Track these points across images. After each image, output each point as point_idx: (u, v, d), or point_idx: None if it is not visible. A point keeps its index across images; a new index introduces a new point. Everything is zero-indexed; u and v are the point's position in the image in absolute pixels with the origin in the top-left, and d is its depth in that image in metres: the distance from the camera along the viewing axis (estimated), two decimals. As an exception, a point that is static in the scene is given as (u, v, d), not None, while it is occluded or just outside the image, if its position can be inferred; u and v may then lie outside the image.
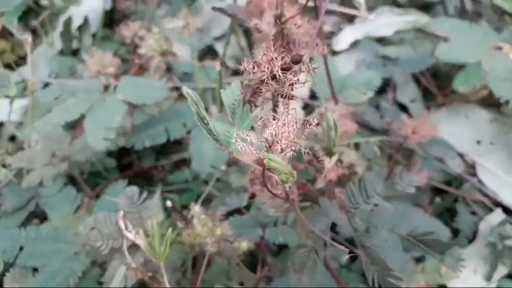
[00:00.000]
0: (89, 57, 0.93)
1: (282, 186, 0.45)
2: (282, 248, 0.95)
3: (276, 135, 0.41)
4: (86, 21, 1.27)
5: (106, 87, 0.89)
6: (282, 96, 0.44)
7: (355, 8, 1.08)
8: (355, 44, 1.11)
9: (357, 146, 0.90)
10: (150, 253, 0.54)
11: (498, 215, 0.95)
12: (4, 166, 1.10)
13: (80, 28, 1.29)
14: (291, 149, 0.41)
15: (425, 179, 0.84)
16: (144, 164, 1.19)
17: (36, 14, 1.46)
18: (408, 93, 1.17)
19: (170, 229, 0.53)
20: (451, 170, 0.96)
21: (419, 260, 0.93)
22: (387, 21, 1.09)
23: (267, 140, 0.42)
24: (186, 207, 1.03)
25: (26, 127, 1.07)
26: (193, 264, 0.88)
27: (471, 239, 0.96)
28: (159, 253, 0.53)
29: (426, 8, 1.19)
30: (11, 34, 1.54)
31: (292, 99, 0.44)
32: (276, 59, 0.42)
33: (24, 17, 1.45)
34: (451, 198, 1.01)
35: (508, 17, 1.09)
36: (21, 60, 1.50)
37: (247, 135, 0.42)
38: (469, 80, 0.97)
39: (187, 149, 1.19)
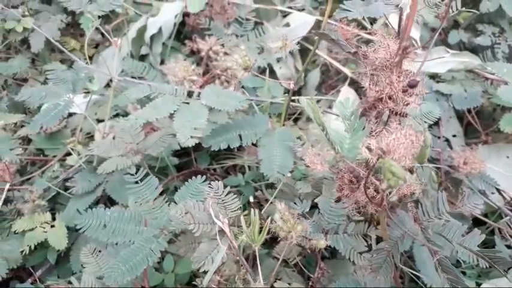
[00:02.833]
0: (175, 64, 1.03)
1: (383, 191, 0.53)
2: (328, 257, 1.02)
3: (391, 146, 0.49)
4: (159, 30, 1.38)
5: (189, 93, 0.99)
6: (396, 113, 0.52)
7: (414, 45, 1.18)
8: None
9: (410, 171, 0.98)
10: (248, 238, 0.61)
11: (533, 250, 1.01)
12: (75, 153, 1.20)
13: (152, 36, 1.40)
14: (404, 159, 0.49)
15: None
16: (200, 165, 1.28)
17: (107, 18, 1.58)
18: (451, 128, 1.25)
19: (269, 218, 0.61)
20: (492, 202, 1.03)
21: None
22: (441, 60, 1.18)
23: (382, 149, 0.50)
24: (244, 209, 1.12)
25: (102, 115, 1.16)
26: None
27: (506, 271, 1.02)
28: (258, 239, 0.61)
29: (474, 51, 1.29)
30: (81, 35, 1.67)
31: (405, 116, 0.52)
32: (396, 82, 0.51)
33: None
34: (487, 231, 1.08)
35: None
36: (89, 60, 1.62)
37: (368, 142, 0.50)
38: (515, 122, 1.05)
39: (239, 157, 1.30)
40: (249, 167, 1.25)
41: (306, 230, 0.69)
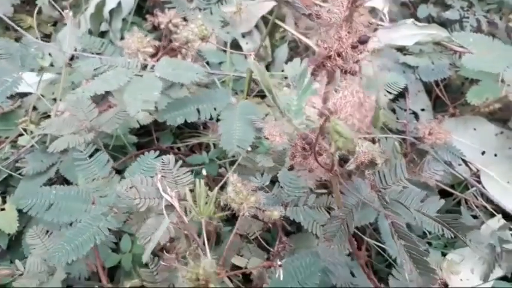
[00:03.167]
0: (129, 36, 0.97)
1: (332, 155, 0.50)
2: (293, 232, 1.00)
3: (338, 105, 0.46)
4: (118, 5, 1.31)
5: (143, 66, 0.93)
6: (345, 71, 0.48)
7: (379, 18, 1.15)
8: (376, 51, 1.17)
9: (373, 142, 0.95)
10: (193, 209, 0.57)
11: (499, 220, 1.01)
12: (27, 133, 1.13)
13: (111, 12, 1.33)
14: (352, 118, 0.45)
15: (433, 179, 0.90)
16: (162, 144, 1.23)
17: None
18: (419, 102, 1.23)
19: (216, 189, 0.57)
20: (458, 174, 1.01)
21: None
22: (408, 33, 1.15)
23: (329, 109, 0.46)
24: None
25: (57, 94, 1.10)
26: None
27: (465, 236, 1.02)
28: (204, 210, 0.57)
29: (443, 25, 1.26)
30: (39, 13, 1.58)
31: (355, 75, 0.49)
32: (345, 38, 0.47)
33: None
34: (454, 202, 1.07)
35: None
36: (46, 38, 1.54)
37: (313, 102, 0.46)
38: (482, 94, 1.03)
39: (203, 135, 1.25)
40: (214, 144, 1.21)
41: (259, 202, 0.65)
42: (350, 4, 0.50)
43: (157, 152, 0.82)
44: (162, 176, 0.70)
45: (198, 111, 0.92)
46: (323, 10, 0.57)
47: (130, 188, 0.67)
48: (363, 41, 0.49)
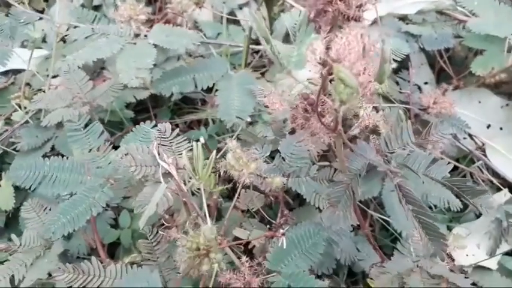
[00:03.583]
0: (121, 3, 0.93)
1: (336, 112, 0.47)
2: (295, 208, 0.97)
3: (341, 52, 0.43)
4: (111, -24, 1.27)
5: (136, 34, 0.90)
6: (348, 18, 0.45)
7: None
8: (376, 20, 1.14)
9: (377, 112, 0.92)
10: (191, 173, 0.55)
11: (505, 194, 0.99)
12: (20, 108, 1.10)
13: (104, -16, 1.29)
14: (357, 65, 0.42)
15: (440, 145, 0.88)
16: (160, 120, 1.20)
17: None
18: (423, 75, 1.20)
19: (214, 152, 0.55)
20: (464, 146, 0.99)
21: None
22: (410, 1, 1.11)
23: (332, 56, 0.43)
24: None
25: (49, 69, 1.06)
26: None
27: (477, 215, 1.00)
28: (202, 175, 0.54)
29: (448, -5, 1.22)
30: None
31: (359, 20, 0.46)
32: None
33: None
34: (459, 176, 1.05)
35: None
36: (40, 14, 1.49)
37: (314, 48, 0.43)
38: (487, 64, 1.00)
39: (201, 112, 1.22)
40: (213, 120, 1.18)
41: (260, 169, 0.62)
42: None
43: (154, 123, 0.79)
44: (158, 144, 0.67)
45: (194, 80, 0.89)
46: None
47: (126, 155, 0.64)
48: (367, -16, 0.46)
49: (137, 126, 0.80)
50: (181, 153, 0.70)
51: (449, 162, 1.01)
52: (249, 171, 0.60)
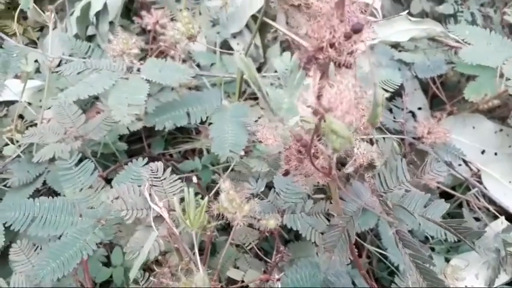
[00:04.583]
0: (114, 37, 0.93)
1: (330, 158, 0.46)
2: (291, 240, 0.96)
3: (333, 101, 0.42)
4: (104, 8, 1.27)
5: (129, 68, 0.90)
6: (339, 64, 0.45)
7: (372, 14, 1.11)
8: (370, 48, 1.14)
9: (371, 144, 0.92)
10: (183, 220, 0.54)
11: (502, 222, 0.98)
12: (12, 142, 1.09)
13: (97, 15, 1.29)
14: (349, 116, 0.42)
15: (435, 181, 0.87)
16: (153, 151, 1.19)
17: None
18: (416, 100, 1.20)
19: (206, 198, 0.54)
20: (459, 174, 0.98)
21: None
22: (402, 28, 1.12)
23: (324, 106, 0.43)
24: (196, 194, 1.04)
25: (42, 102, 1.05)
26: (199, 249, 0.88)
27: (473, 243, 0.98)
28: (193, 221, 0.53)
29: (438, 20, 1.23)
30: (25, 18, 1.54)
31: (350, 68, 0.45)
32: (337, 26, 0.43)
33: (40, 1, 1.44)
34: (455, 204, 1.04)
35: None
36: (33, 45, 1.49)
37: (306, 99, 0.43)
38: (480, 90, 1.00)
39: (196, 140, 1.21)
40: (207, 150, 1.17)
41: (254, 210, 0.61)
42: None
43: (146, 159, 0.78)
44: (150, 184, 0.66)
45: (188, 114, 0.88)
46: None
47: (116, 198, 0.63)
48: (357, 30, 0.45)
49: (129, 164, 0.79)
50: (173, 193, 0.69)
51: (443, 194, 1.02)
52: (243, 214, 0.58)
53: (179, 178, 0.71)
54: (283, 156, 0.58)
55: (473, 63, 0.83)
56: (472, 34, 0.86)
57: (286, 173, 0.57)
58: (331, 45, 0.44)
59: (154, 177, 0.69)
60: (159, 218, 0.63)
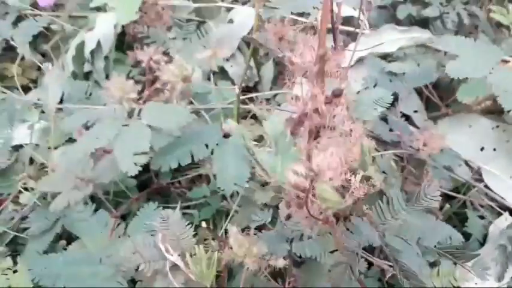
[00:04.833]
0: (109, 84, 0.96)
1: (323, 211, 0.50)
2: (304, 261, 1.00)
3: (322, 165, 0.45)
4: (98, 45, 1.30)
5: (129, 113, 0.93)
6: (323, 127, 0.48)
7: (358, 26, 1.13)
8: (359, 61, 1.16)
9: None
10: (196, 275, 0.58)
11: (506, 218, 1.00)
12: (27, 190, 1.13)
13: (92, 52, 1.32)
14: (338, 179, 0.45)
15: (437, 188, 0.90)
16: (162, 181, 1.23)
17: (46, 38, 1.49)
18: (411, 104, 1.22)
19: (216, 253, 0.57)
20: (459, 177, 1.01)
21: (433, 264, 0.98)
22: (391, 38, 1.14)
23: (313, 170, 0.46)
24: (205, 220, 1.08)
25: (49, 151, 1.10)
26: (216, 276, 0.92)
27: (482, 243, 1.02)
28: (205, 275, 0.57)
29: (425, 23, 1.25)
30: (22, 59, 1.57)
31: (333, 130, 0.48)
32: (319, 94, 0.46)
33: (35, 41, 1.48)
34: (459, 204, 1.07)
35: (505, 29, 1.15)
36: (33, 83, 1.53)
37: (296, 166, 0.46)
38: (472, 92, 1.02)
39: (203, 166, 1.25)
40: (214, 175, 1.21)
41: (261, 252, 0.65)
42: (319, 59, 0.49)
43: (157, 204, 0.82)
44: (163, 234, 0.70)
45: (191, 152, 0.92)
46: (295, 54, 0.57)
47: (134, 253, 0.67)
48: (337, 95, 0.49)
49: (141, 209, 0.83)
50: (185, 238, 0.73)
51: (446, 195, 1.04)
52: (252, 259, 0.62)
53: (188, 206, 0.73)
54: (283, 201, 0.61)
55: (461, 78, 0.85)
56: (458, 45, 0.88)
57: (288, 217, 0.61)
58: (315, 111, 0.47)
59: (166, 224, 0.73)
60: (175, 267, 0.67)
